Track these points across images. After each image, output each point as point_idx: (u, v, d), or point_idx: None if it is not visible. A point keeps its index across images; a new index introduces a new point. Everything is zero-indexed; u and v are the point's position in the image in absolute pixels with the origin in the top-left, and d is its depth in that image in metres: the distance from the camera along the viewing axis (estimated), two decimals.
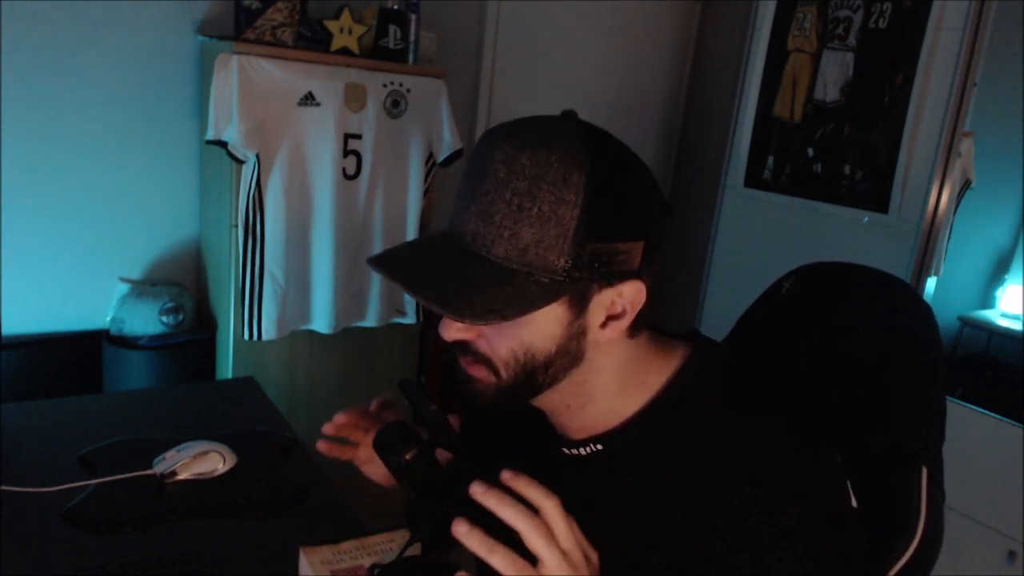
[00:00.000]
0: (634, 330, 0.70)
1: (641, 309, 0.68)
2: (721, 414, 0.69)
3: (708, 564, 0.65)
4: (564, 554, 0.58)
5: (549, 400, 0.72)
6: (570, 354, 0.67)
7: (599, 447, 0.73)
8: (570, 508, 0.66)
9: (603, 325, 0.67)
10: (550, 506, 0.59)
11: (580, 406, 0.72)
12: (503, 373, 0.67)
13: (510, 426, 0.85)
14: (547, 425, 0.77)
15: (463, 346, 0.68)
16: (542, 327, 0.65)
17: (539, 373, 0.67)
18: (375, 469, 0.95)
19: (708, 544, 0.65)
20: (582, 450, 0.74)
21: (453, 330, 0.67)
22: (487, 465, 0.85)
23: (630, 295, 0.66)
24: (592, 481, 0.73)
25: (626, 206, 0.64)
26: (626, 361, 0.71)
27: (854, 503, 0.69)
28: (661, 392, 0.72)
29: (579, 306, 0.65)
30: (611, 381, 0.71)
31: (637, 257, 0.64)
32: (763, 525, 0.64)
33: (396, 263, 0.66)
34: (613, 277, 0.65)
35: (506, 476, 0.59)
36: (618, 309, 0.66)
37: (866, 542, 0.70)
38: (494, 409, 0.87)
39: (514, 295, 0.61)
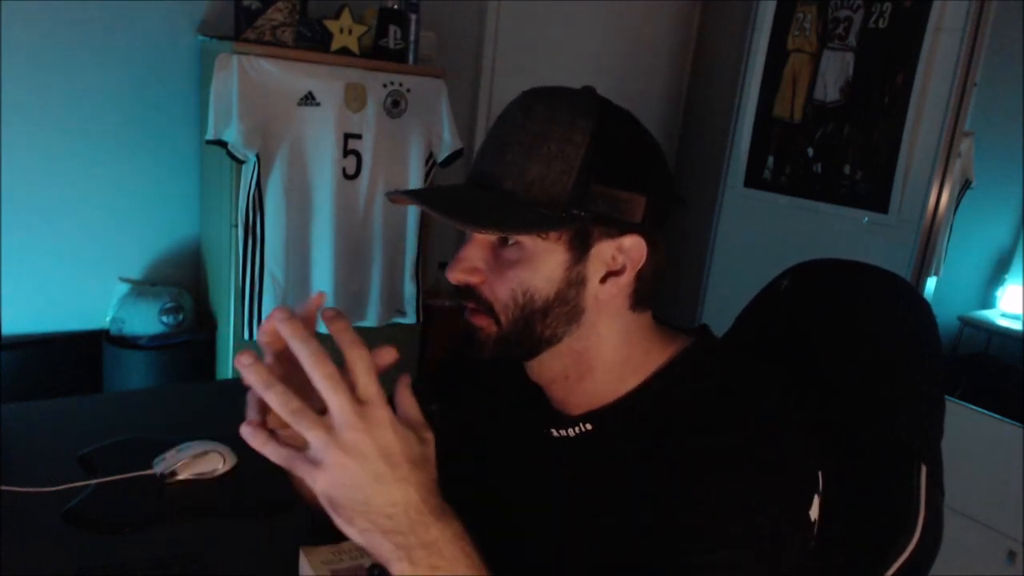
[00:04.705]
0: (637, 302, 0.71)
1: (645, 281, 0.69)
2: (710, 399, 0.68)
3: (667, 533, 0.62)
4: (360, 404, 0.54)
5: (550, 368, 0.72)
6: (568, 304, 0.68)
7: (588, 427, 0.72)
8: (557, 489, 0.66)
9: (603, 280, 0.68)
10: (357, 355, 0.57)
11: (579, 377, 0.72)
12: (503, 319, 0.68)
13: (497, 412, 0.84)
14: (538, 407, 0.76)
15: (467, 291, 0.70)
16: (542, 267, 0.67)
17: (537, 320, 0.68)
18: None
19: (670, 515, 0.63)
20: (571, 431, 0.73)
21: (459, 272, 0.69)
22: (485, 461, 0.85)
23: (630, 249, 0.68)
24: (579, 462, 0.72)
25: (629, 157, 0.67)
26: (627, 334, 0.71)
27: (814, 515, 0.65)
28: (654, 375, 0.71)
29: (579, 250, 0.67)
30: (613, 354, 0.71)
31: (639, 211, 0.66)
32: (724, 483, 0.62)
33: (417, 193, 0.72)
34: (613, 224, 0.66)
35: (328, 314, 0.58)
36: (618, 265, 0.68)
37: (809, 543, 0.66)
38: (482, 393, 0.85)
39: (516, 216, 0.65)
